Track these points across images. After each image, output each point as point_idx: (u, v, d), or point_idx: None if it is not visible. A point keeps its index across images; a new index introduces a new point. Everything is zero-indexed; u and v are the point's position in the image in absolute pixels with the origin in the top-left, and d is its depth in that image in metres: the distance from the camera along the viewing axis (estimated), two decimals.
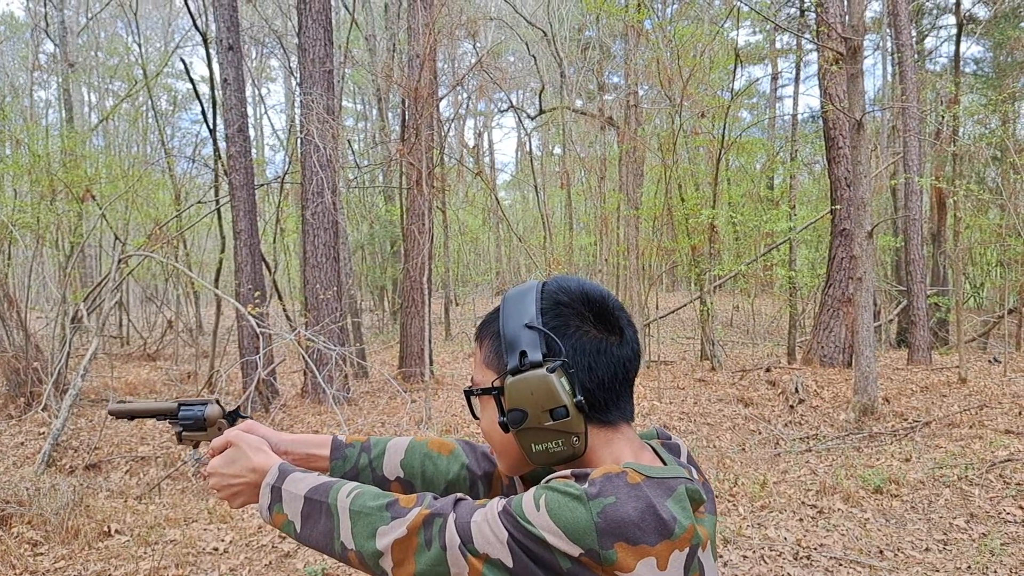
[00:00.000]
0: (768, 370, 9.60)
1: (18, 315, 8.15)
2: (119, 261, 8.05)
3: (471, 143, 23.48)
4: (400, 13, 14.66)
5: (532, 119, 17.21)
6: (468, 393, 0.93)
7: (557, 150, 21.98)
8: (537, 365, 0.83)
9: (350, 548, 0.86)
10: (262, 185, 12.74)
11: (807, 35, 13.01)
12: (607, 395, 0.86)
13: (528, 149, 20.57)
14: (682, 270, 17.19)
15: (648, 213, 13.17)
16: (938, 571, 3.63)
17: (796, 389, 8.03)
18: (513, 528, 0.76)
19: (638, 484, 0.76)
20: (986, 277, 18.43)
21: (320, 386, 7.12)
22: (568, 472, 0.80)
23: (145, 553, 4.05)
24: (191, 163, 16.81)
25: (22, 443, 6.65)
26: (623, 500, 0.74)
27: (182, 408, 1.17)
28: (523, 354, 0.84)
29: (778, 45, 19.36)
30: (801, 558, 3.81)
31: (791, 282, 12.46)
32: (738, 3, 11.21)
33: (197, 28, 11.24)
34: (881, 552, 3.87)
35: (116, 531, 4.38)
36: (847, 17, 7.90)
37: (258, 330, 6.91)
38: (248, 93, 14.15)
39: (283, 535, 4.01)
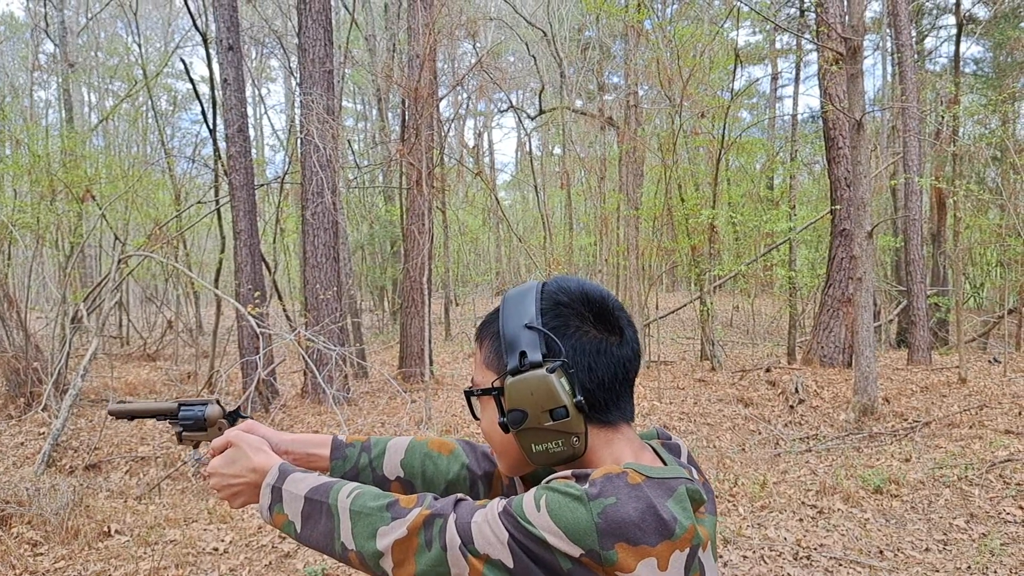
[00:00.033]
0: (768, 370, 9.60)
1: (18, 315, 8.15)
2: (119, 261, 8.05)
3: (471, 143, 23.49)
4: (400, 13, 14.67)
5: (532, 119, 17.21)
6: (468, 394, 0.93)
7: (557, 150, 21.99)
8: (537, 365, 0.83)
9: (350, 548, 0.86)
10: (262, 185, 12.74)
11: (807, 35, 13.01)
12: (607, 395, 0.86)
13: (528, 149, 20.57)
14: (682, 270, 17.20)
15: (648, 213, 13.17)
16: (938, 571, 3.63)
17: (796, 389, 8.03)
18: (514, 529, 0.76)
19: (639, 484, 0.76)
20: (986, 277, 18.43)
21: (320, 386, 7.12)
22: (568, 473, 0.80)
23: (145, 553, 4.05)
24: (191, 163, 16.82)
25: (22, 443, 6.65)
26: (624, 500, 0.74)
27: (182, 408, 1.17)
28: (523, 354, 0.84)
29: (778, 45, 19.37)
30: (801, 558, 3.81)
31: (791, 282, 12.46)
32: (738, 3, 11.21)
33: (197, 28, 11.24)
34: (881, 552, 3.87)
35: (116, 531, 4.38)
36: (847, 17, 7.90)
37: (258, 330, 6.92)
38: (248, 93, 14.16)
39: (283, 535, 4.01)
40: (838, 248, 9.85)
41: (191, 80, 11.44)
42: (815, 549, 3.91)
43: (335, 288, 8.63)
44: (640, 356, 0.91)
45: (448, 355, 13.29)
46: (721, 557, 3.83)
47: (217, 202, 11.50)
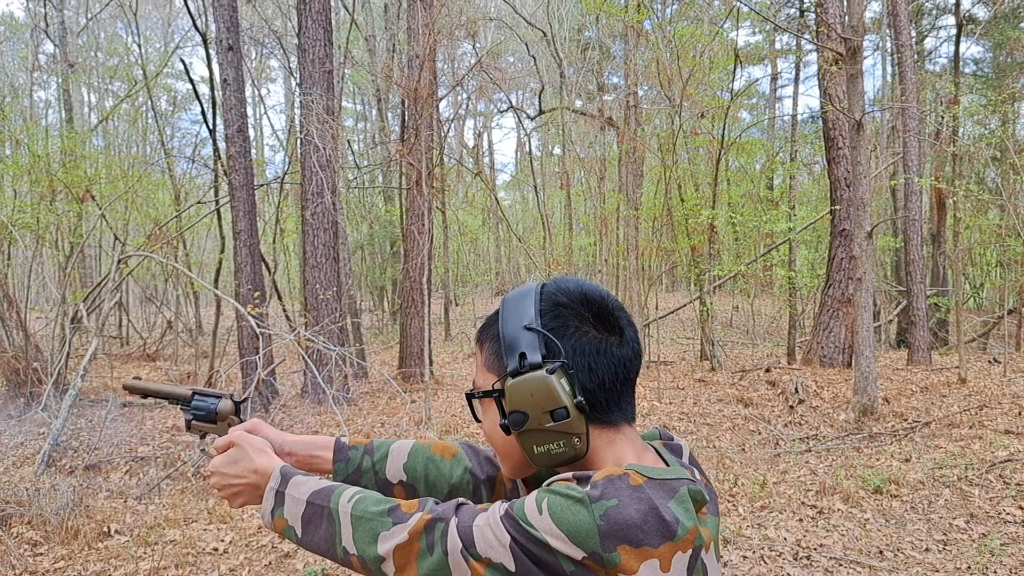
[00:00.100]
0: (768, 370, 9.60)
1: (18, 315, 8.15)
2: (119, 261, 8.05)
3: (471, 143, 23.48)
4: (400, 13, 14.67)
5: (532, 119, 17.21)
6: (470, 396, 0.93)
7: (557, 150, 21.99)
8: (536, 366, 0.83)
9: (352, 553, 0.86)
10: (262, 185, 12.74)
11: (807, 35, 13.02)
12: (608, 395, 0.86)
13: (528, 149, 20.55)
14: (682, 270, 17.18)
15: (648, 213, 13.17)
16: (938, 571, 3.63)
17: (796, 389, 8.03)
18: (515, 532, 0.76)
19: (640, 486, 0.76)
20: (986, 277, 18.43)
21: (320, 386, 7.12)
22: (570, 475, 0.80)
23: (145, 553, 4.05)
24: (191, 163, 16.81)
25: (22, 443, 6.65)
26: (625, 502, 0.74)
27: (196, 397, 1.17)
28: (522, 356, 0.84)
29: (778, 45, 19.39)
30: (801, 558, 3.81)
31: (791, 282, 12.47)
32: (738, 3, 11.21)
33: (197, 28, 11.23)
34: (881, 552, 3.87)
35: (116, 531, 4.38)
36: (847, 17, 7.90)
37: (258, 330, 6.91)
38: (248, 93, 14.15)
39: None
40: (838, 248, 9.85)
41: (191, 80, 11.44)
42: (815, 549, 3.91)
43: (335, 288, 8.63)
44: (641, 356, 0.91)
45: (448, 355, 13.29)
46: (721, 557, 3.83)
47: (217, 202, 11.50)
